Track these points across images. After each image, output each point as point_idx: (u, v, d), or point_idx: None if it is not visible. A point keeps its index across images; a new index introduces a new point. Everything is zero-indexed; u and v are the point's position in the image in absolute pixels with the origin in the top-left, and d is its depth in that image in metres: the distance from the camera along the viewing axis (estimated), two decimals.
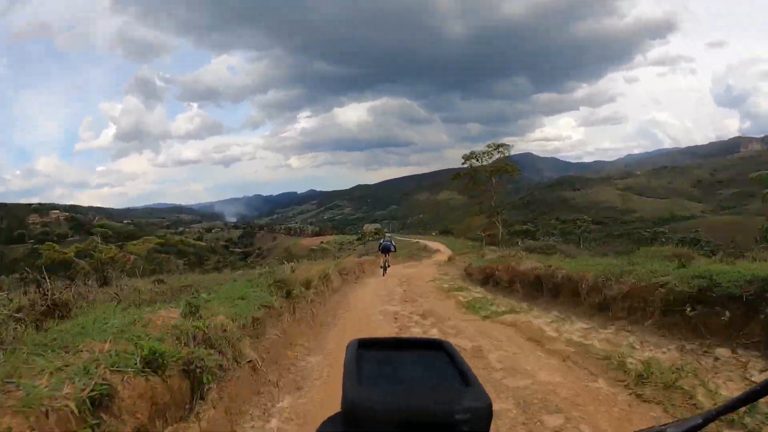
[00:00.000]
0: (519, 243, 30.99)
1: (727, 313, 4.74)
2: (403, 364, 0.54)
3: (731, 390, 3.75)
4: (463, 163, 26.73)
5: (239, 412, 3.61)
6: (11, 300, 4.50)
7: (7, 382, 1.93)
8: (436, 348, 0.59)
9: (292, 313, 6.32)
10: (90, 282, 8.23)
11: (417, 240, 47.25)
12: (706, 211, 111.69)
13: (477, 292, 11.37)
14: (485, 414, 0.45)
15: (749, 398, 0.56)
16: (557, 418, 3.48)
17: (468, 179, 26.69)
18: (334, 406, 0.47)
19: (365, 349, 0.56)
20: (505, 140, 25.99)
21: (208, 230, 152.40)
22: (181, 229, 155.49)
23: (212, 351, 3.57)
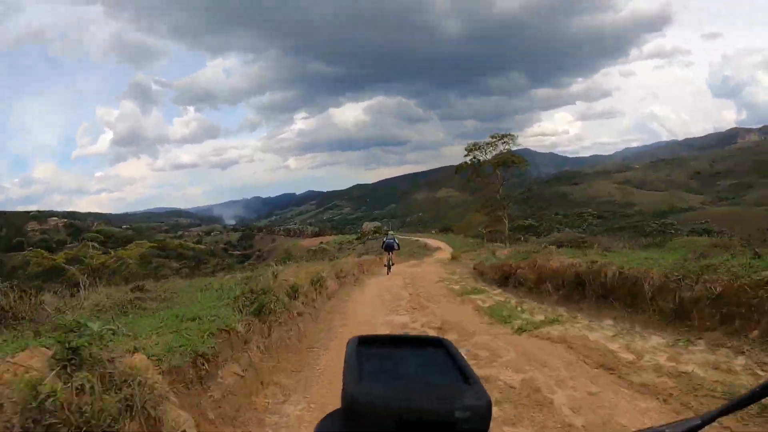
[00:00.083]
0: (522, 238, 29.38)
1: None
2: (403, 362, 0.54)
3: None
4: (465, 155, 25.09)
5: None
6: None
7: None
8: (437, 345, 0.58)
9: (266, 337, 4.56)
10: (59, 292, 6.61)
11: (417, 238, 45.71)
12: (705, 202, 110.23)
13: (496, 294, 9.64)
14: (485, 412, 0.45)
15: (748, 401, 0.56)
16: None
17: (471, 171, 24.95)
18: None
19: (366, 345, 0.55)
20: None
21: (207, 233, 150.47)
22: (180, 232, 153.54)
23: None
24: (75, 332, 2.48)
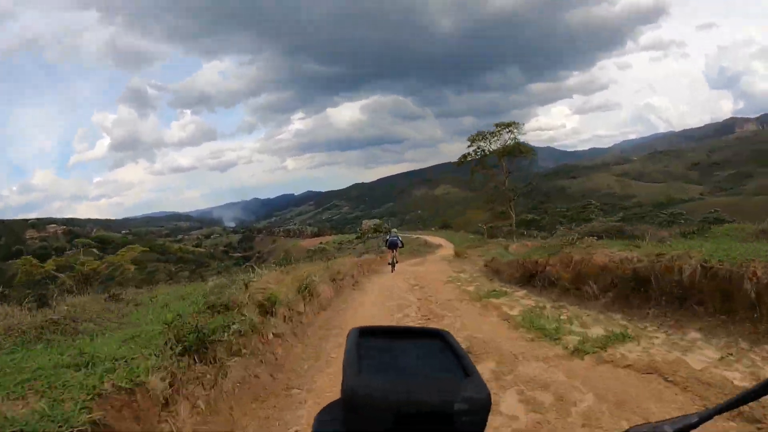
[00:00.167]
0: (524, 233, 27.83)
1: None
2: (403, 354, 0.53)
3: None
4: (468, 146, 23.42)
5: None
6: None
7: None
8: (437, 338, 0.57)
9: (211, 386, 2.89)
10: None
11: (417, 236, 44.31)
12: (704, 193, 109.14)
13: (521, 296, 8.01)
14: (484, 405, 0.45)
15: (745, 399, 0.56)
16: None
17: (476, 163, 23.28)
18: None
19: (366, 337, 0.55)
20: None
21: (207, 236, 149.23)
22: (180, 236, 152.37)
23: None
24: None
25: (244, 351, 3.62)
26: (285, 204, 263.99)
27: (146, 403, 2.28)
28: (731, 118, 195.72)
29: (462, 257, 20.19)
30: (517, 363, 4.07)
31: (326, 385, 3.78)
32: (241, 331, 3.79)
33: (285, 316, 5.13)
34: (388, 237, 16.07)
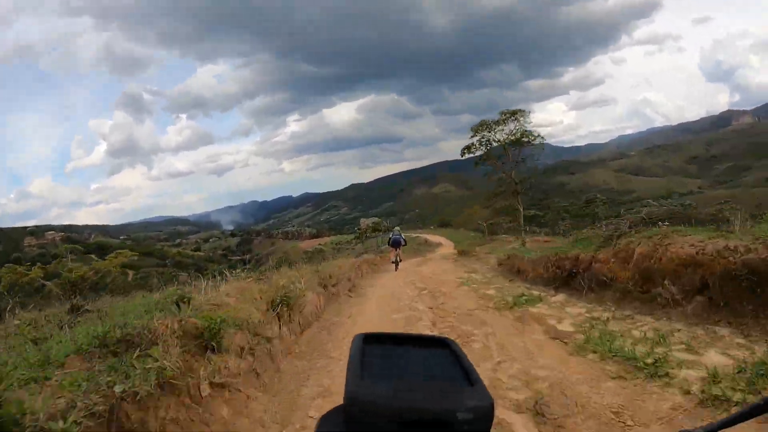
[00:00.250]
0: (527, 229, 26.12)
1: None
2: (407, 361, 0.53)
3: None
4: (471, 137, 21.67)
5: None
6: None
7: None
8: (442, 345, 0.56)
9: None
10: None
11: (416, 234, 42.90)
12: (702, 186, 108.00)
13: (562, 302, 6.31)
14: (487, 414, 0.45)
15: (752, 413, 0.55)
16: None
17: (481, 155, 21.52)
18: None
19: (370, 343, 0.54)
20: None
21: (206, 240, 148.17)
22: (178, 240, 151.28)
23: None
24: None
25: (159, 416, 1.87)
26: (283, 206, 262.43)
27: None
28: (728, 111, 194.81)
29: (468, 255, 18.48)
30: None
31: None
32: (137, 394, 2.04)
33: (243, 349, 3.37)
34: (391, 235, 15.53)
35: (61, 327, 3.55)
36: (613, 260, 6.02)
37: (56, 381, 1.88)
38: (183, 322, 2.94)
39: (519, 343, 4.44)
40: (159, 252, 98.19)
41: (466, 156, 22.56)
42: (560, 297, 6.72)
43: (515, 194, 21.69)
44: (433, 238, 36.52)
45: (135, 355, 2.33)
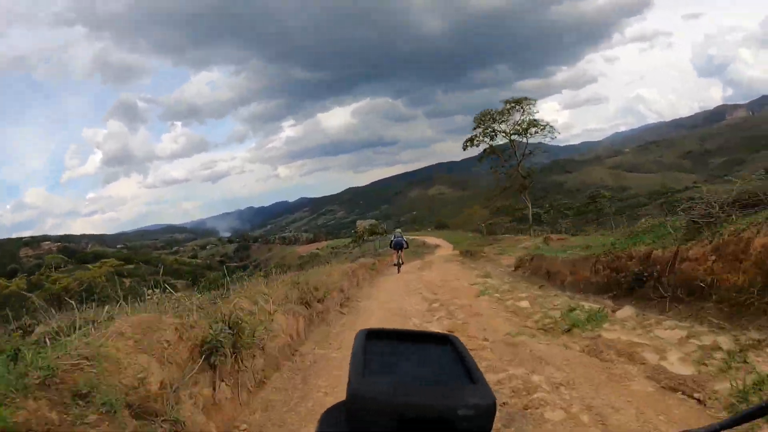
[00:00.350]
0: (528, 229, 24.35)
1: None
2: (410, 357, 0.52)
3: None
4: (474, 128, 19.79)
5: None
6: None
7: None
8: (445, 342, 0.56)
9: None
10: None
11: (414, 236, 41.27)
12: (698, 181, 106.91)
13: (640, 321, 4.40)
14: (489, 412, 0.44)
15: (756, 414, 0.54)
16: None
17: (487, 147, 19.64)
18: None
19: (373, 339, 0.53)
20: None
21: (203, 247, 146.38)
22: (175, 248, 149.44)
23: None
24: None
25: None
26: (280, 212, 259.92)
27: None
28: (721, 106, 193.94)
29: (475, 256, 16.63)
30: None
31: None
32: None
33: None
34: (393, 238, 15.07)
35: None
36: (713, 257, 4.14)
37: None
38: None
39: (627, 409, 2.54)
40: (156, 260, 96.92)
41: (469, 149, 20.70)
42: (628, 311, 4.84)
43: (523, 189, 19.84)
44: (431, 240, 34.63)
45: None
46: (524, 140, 19.39)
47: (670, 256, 4.70)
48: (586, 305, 5.52)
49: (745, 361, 2.94)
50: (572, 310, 5.23)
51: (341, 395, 0.43)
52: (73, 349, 2.24)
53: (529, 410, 2.66)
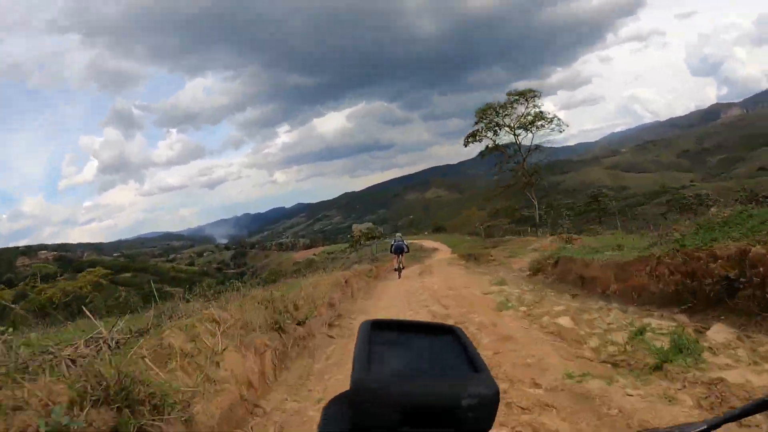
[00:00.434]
0: (529, 230, 23.08)
1: None
2: (413, 348, 0.52)
3: None
4: (475, 123, 18.38)
5: None
6: None
7: None
8: (448, 333, 0.56)
9: None
10: None
11: (411, 241, 40.03)
12: (695, 180, 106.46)
13: (758, 349, 2.96)
14: (492, 401, 0.44)
15: (756, 409, 0.55)
16: None
17: (491, 143, 18.23)
18: None
19: (377, 330, 0.53)
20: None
21: (200, 254, 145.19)
22: (172, 256, 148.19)
23: None
24: None
25: None
26: (276, 217, 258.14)
27: None
28: (716, 104, 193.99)
29: (481, 260, 15.21)
30: None
31: None
32: None
33: None
34: (393, 242, 14.67)
35: None
36: None
37: None
38: None
39: None
40: (152, 268, 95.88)
41: (470, 145, 19.24)
42: (723, 332, 3.43)
43: (528, 187, 18.42)
44: (429, 243, 33.75)
45: None
46: (530, 134, 17.96)
47: None
48: (654, 323, 4.10)
49: None
50: (640, 331, 3.80)
51: None
52: None
53: None
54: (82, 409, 1.63)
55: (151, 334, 2.87)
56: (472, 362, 0.48)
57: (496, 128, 18.07)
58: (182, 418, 2.15)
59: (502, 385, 3.11)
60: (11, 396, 1.56)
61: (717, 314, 3.88)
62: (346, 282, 8.45)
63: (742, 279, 3.68)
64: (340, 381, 3.50)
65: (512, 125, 17.92)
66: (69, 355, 2.12)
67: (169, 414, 2.06)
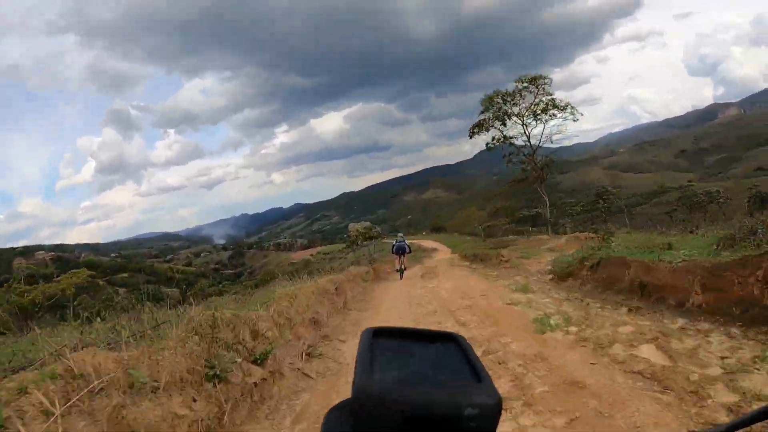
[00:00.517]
0: (531, 229, 21.65)
1: None
2: (416, 356, 0.51)
3: None
4: (481, 112, 16.80)
5: None
6: None
7: None
8: (450, 341, 0.55)
9: None
10: None
11: (411, 241, 38.79)
12: (693, 180, 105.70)
13: None
14: (494, 411, 0.43)
15: (763, 416, 0.54)
16: None
17: (498, 134, 16.66)
18: None
19: (380, 337, 0.52)
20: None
21: (197, 255, 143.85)
22: (170, 256, 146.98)
23: None
24: None
25: None
26: (275, 218, 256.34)
27: None
28: (713, 104, 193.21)
29: (489, 262, 13.72)
30: None
31: None
32: None
33: None
34: (395, 242, 14.25)
35: None
36: None
37: None
38: None
39: None
40: (149, 269, 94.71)
41: (476, 136, 17.63)
42: None
43: (538, 181, 16.86)
44: (428, 243, 33.44)
45: None
46: (540, 125, 16.38)
47: None
48: None
49: None
50: None
51: None
52: None
53: None
54: None
55: None
56: (475, 371, 0.47)
57: (505, 118, 16.47)
58: None
59: None
60: None
61: None
62: (336, 290, 6.83)
63: None
64: None
65: (522, 114, 16.32)
66: None
67: None
